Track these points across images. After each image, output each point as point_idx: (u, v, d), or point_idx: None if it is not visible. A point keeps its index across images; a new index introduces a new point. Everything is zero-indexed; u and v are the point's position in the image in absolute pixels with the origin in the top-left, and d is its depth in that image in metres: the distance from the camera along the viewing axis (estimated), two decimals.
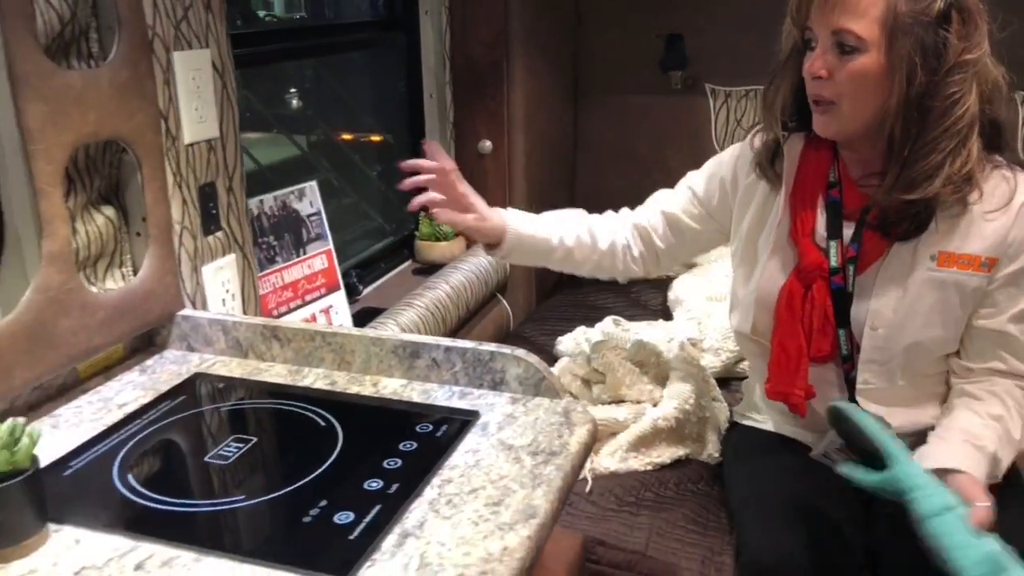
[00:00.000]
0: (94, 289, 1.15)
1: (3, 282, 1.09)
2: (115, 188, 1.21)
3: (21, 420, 0.80)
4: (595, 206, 1.54)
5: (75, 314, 1.07)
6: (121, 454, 0.96)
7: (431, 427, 1.01)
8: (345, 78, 2.39)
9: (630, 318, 2.00)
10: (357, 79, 2.40)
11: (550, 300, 2.39)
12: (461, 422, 1.03)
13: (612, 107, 2.76)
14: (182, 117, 1.23)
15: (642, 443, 1.45)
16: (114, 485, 0.90)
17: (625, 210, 1.51)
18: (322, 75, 2.39)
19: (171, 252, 1.23)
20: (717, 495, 1.43)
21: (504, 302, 2.31)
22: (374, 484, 0.89)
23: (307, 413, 1.06)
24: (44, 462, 0.94)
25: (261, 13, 2.18)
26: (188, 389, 1.13)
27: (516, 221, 1.42)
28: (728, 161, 1.40)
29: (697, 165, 1.47)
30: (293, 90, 2.62)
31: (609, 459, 1.44)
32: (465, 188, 1.39)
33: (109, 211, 1.19)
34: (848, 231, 1.25)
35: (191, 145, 1.25)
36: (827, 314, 1.25)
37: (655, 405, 1.58)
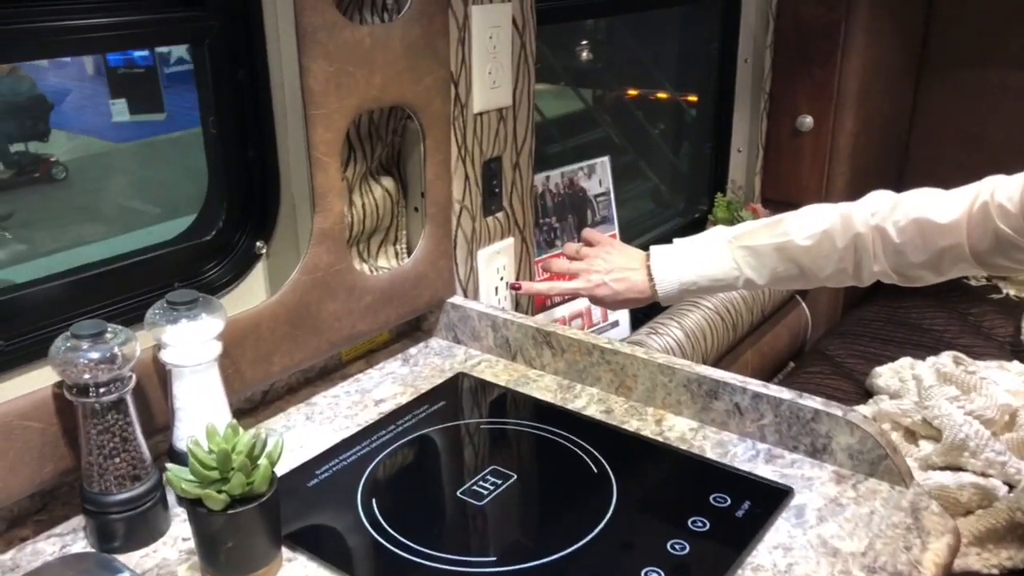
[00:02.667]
0: (364, 268, 1.05)
1: (272, 256, 1.02)
2: (396, 158, 1.10)
3: (263, 433, 0.70)
4: None
5: (341, 298, 0.98)
6: (369, 468, 0.85)
7: (729, 501, 0.79)
8: (645, 34, 2.17)
9: (969, 350, 1.59)
10: (661, 35, 2.16)
11: (861, 310, 2.02)
12: (768, 500, 0.79)
13: (964, 81, 2.27)
14: (474, 82, 1.08)
15: (990, 537, 1.11)
16: (357, 512, 0.79)
17: (867, 210, 0.99)
18: (618, 28, 2.19)
19: (448, 233, 1.10)
20: None
21: (804, 306, 1.99)
22: (655, 575, 0.69)
23: (577, 450, 0.88)
24: (293, 463, 0.86)
25: None
26: (449, 392, 1.01)
27: (667, 282, 1.08)
28: None
29: None
30: (584, 42, 2.46)
31: None
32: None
33: (388, 183, 1.08)
34: None
35: (480, 114, 1.11)
36: None
37: (1009, 484, 1.21)
